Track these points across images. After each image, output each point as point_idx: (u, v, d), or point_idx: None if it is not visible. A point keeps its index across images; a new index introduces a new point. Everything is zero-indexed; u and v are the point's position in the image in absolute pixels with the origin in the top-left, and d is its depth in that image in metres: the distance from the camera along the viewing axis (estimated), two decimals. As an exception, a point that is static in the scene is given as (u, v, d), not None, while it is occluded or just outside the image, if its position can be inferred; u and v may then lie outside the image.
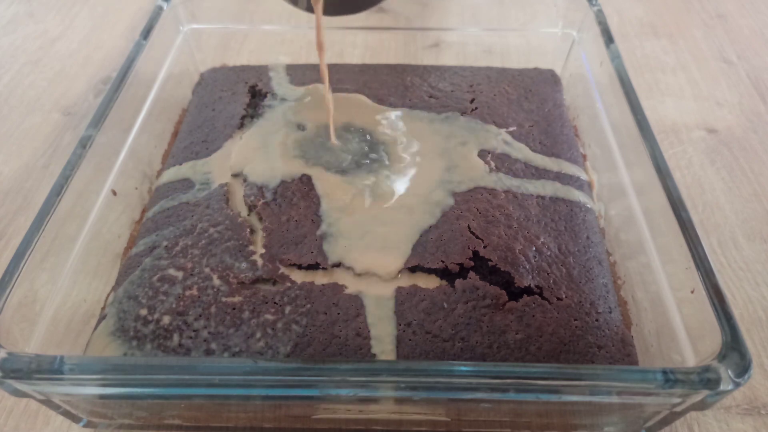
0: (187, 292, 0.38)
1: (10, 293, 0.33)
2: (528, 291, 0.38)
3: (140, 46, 0.49)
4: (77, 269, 0.39)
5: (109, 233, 0.43)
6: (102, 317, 0.39)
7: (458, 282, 0.38)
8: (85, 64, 0.66)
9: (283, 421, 0.37)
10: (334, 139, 0.46)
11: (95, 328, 0.38)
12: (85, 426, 0.37)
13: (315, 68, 0.55)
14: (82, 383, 0.30)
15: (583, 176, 0.47)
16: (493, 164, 0.46)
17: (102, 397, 0.32)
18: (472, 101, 0.51)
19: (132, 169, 0.46)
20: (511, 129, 0.49)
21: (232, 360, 0.34)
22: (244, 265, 0.39)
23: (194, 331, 0.37)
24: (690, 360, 0.33)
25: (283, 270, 0.39)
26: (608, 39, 0.49)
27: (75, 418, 0.36)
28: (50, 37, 0.70)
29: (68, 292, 0.38)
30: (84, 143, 0.41)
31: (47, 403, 0.33)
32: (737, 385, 0.28)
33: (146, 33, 0.50)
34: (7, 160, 0.55)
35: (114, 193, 0.44)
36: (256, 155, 0.46)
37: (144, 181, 0.48)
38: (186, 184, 0.46)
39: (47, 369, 0.29)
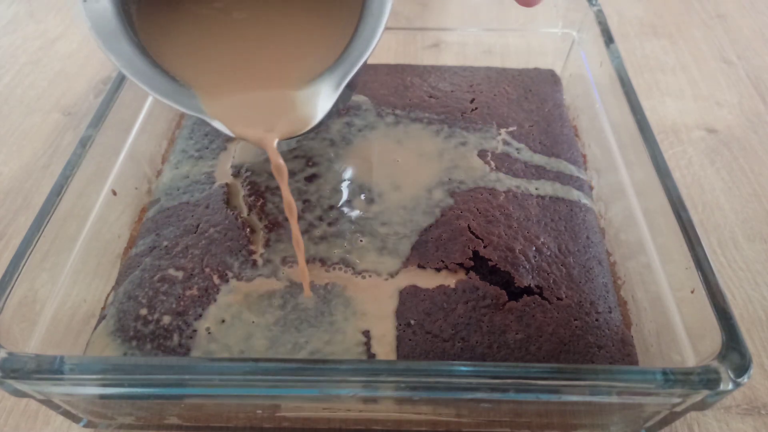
0: (187, 292, 0.38)
1: (10, 293, 0.33)
2: (528, 291, 0.38)
3: (140, 46, 0.49)
4: (77, 269, 0.39)
5: (109, 233, 0.43)
6: (102, 317, 0.39)
7: (458, 282, 0.38)
8: (85, 64, 0.66)
9: (283, 422, 0.37)
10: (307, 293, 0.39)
11: (95, 328, 0.38)
12: (85, 426, 0.37)
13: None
14: (82, 383, 0.30)
15: (583, 176, 0.47)
16: (493, 164, 0.46)
17: (102, 397, 0.32)
18: (472, 101, 0.51)
19: (132, 169, 0.46)
20: (511, 129, 0.49)
21: (232, 360, 0.34)
22: (244, 265, 0.39)
23: (194, 331, 0.37)
24: (690, 360, 0.33)
25: (282, 270, 0.39)
26: (608, 39, 0.49)
27: (75, 418, 0.36)
28: (50, 37, 0.70)
29: (68, 292, 0.38)
30: (84, 143, 0.41)
31: (47, 403, 0.33)
32: (737, 385, 0.28)
33: (146, 33, 0.50)
34: (7, 160, 0.55)
35: (114, 193, 0.44)
36: (257, 155, 0.46)
37: (144, 181, 0.48)
38: (186, 184, 0.46)
39: (47, 369, 0.29)
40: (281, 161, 0.35)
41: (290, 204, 0.36)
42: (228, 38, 0.37)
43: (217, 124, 0.34)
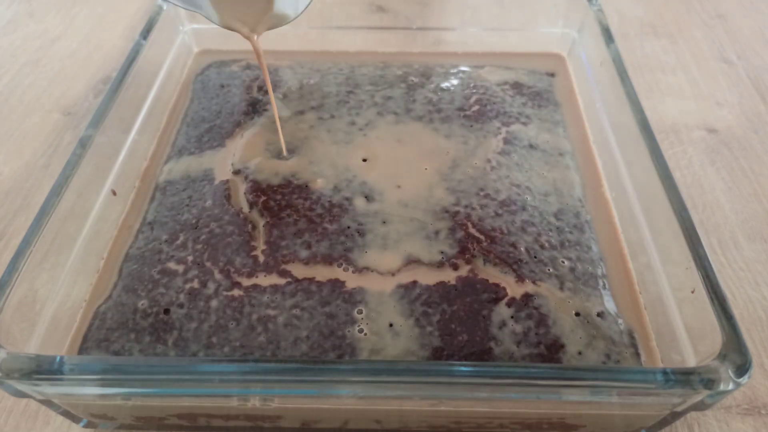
0: (188, 286, 0.38)
1: (10, 293, 0.33)
2: (528, 288, 0.38)
3: (140, 46, 0.49)
4: (77, 269, 0.39)
5: (109, 233, 0.43)
6: (101, 312, 0.39)
7: (458, 279, 0.38)
8: (85, 64, 0.66)
9: (283, 422, 0.37)
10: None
11: (93, 325, 0.38)
12: (85, 426, 0.37)
13: (314, 68, 0.55)
14: (82, 383, 0.30)
15: (584, 175, 0.47)
16: (494, 162, 0.46)
17: (102, 397, 0.32)
18: (472, 99, 0.51)
19: (132, 169, 0.46)
20: (512, 127, 0.49)
21: (232, 360, 0.34)
22: (245, 260, 0.39)
23: (195, 325, 0.37)
24: (690, 360, 0.33)
25: (284, 266, 0.39)
26: (608, 39, 0.49)
27: (75, 419, 0.36)
28: (50, 37, 0.70)
29: (68, 292, 0.38)
30: (84, 143, 0.41)
31: (47, 403, 0.33)
32: (737, 385, 0.28)
33: (146, 33, 0.50)
34: (7, 160, 0.55)
35: (114, 193, 0.44)
36: (257, 153, 0.46)
37: (144, 181, 0.48)
38: (187, 181, 0.46)
39: (47, 369, 0.29)
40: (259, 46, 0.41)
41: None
42: None
43: (212, 16, 0.39)
